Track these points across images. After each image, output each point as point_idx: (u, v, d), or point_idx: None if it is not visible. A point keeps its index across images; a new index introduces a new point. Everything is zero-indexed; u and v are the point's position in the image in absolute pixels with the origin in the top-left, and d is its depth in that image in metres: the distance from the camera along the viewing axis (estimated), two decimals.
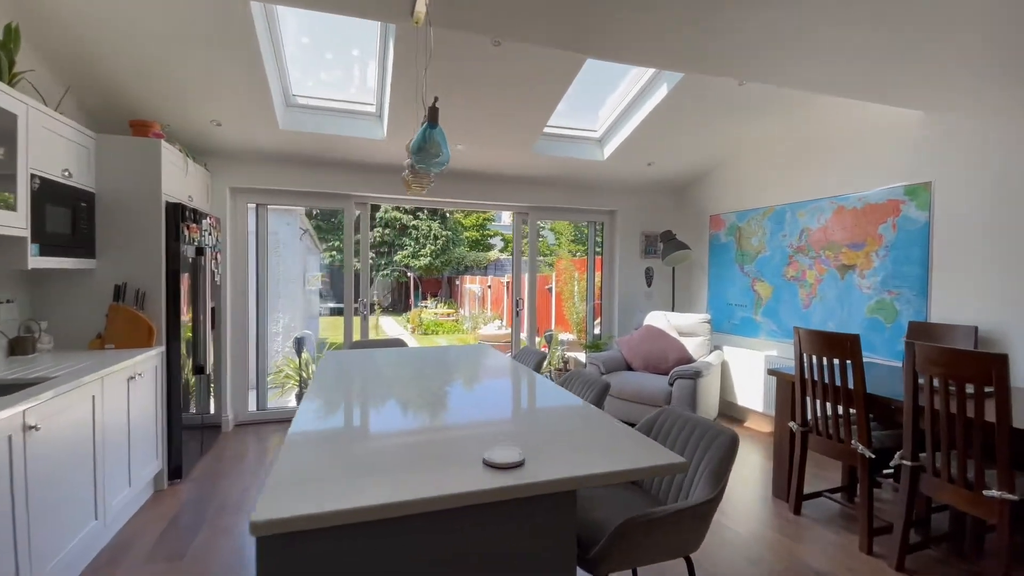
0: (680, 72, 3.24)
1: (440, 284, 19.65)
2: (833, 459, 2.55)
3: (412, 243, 17.08)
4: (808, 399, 2.65)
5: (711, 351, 4.39)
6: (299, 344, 4.54)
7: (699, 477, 1.33)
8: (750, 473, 3.25)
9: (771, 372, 2.97)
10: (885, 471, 2.47)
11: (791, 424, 2.76)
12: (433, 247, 17.04)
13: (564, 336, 7.16)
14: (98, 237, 2.78)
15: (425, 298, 18.20)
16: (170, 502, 2.79)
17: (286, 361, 4.82)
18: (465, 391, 1.98)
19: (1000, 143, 2.78)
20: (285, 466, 1.14)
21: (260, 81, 2.96)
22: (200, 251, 3.23)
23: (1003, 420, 1.82)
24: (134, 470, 2.56)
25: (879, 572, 2.19)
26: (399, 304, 19.44)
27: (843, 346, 2.40)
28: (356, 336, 4.42)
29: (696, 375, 3.74)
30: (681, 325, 4.46)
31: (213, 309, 3.53)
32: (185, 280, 3.07)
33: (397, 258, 17.19)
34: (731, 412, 4.49)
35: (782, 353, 4.03)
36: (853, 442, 2.39)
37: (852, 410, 2.43)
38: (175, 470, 2.98)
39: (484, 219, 19.12)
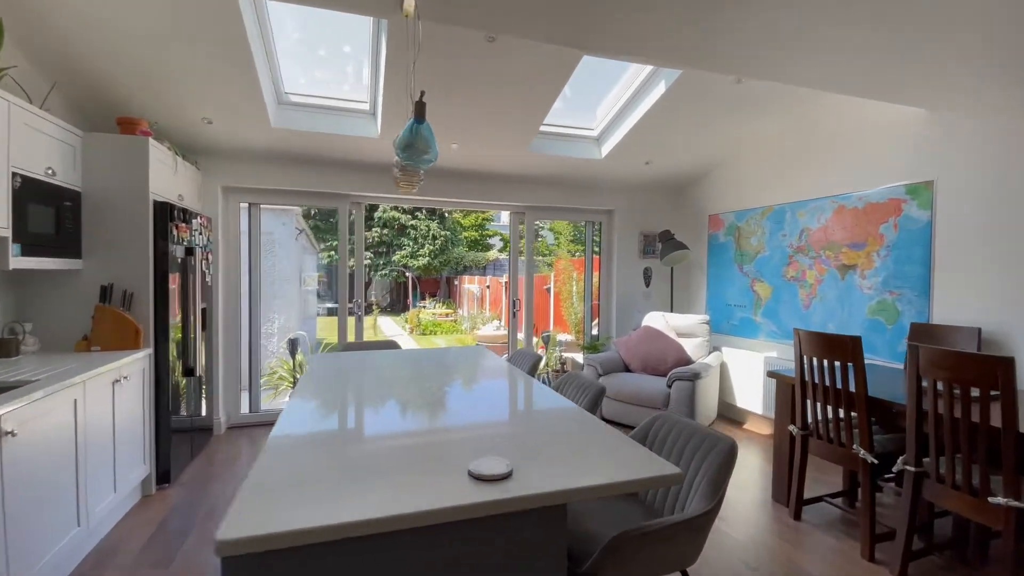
0: (679, 69, 3.19)
1: (439, 284, 19.59)
2: (834, 464, 2.50)
3: (411, 243, 17.01)
4: (808, 402, 2.60)
5: (710, 352, 4.33)
6: (293, 345, 4.49)
7: (696, 487, 1.28)
8: (749, 477, 3.20)
9: (771, 374, 2.92)
10: (887, 475, 2.42)
11: (791, 427, 2.70)
12: (432, 247, 16.98)
13: (562, 337, 7.11)
14: (84, 237, 2.72)
15: (424, 298, 18.15)
16: (158, 507, 2.74)
17: (280, 362, 4.76)
18: (456, 395, 1.93)
19: (1004, 141, 2.72)
20: (259, 476, 1.08)
21: (250, 78, 2.90)
22: (190, 251, 3.17)
23: (1009, 425, 1.76)
24: (120, 475, 2.51)
25: None
26: (398, 304, 19.39)
27: (844, 348, 2.34)
28: (351, 337, 4.36)
29: (695, 377, 3.69)
30: (680, 326, 4.41)
31: (204, 310, 3.48)
32: (174, 280, 3.01)
33: (396, 258, 17.12)
34: (730, 414, 4.43)
35: (782, 354, 3.98)
36: (855, 447, 2.34)
37: (853, 414, 2.38)
38: (163, 474, 2.92)
39: (483, 219, 19.06)
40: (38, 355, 2.55)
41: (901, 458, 2.15)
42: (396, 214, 17.00)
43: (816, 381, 2.52)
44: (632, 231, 5.13)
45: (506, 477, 1.05)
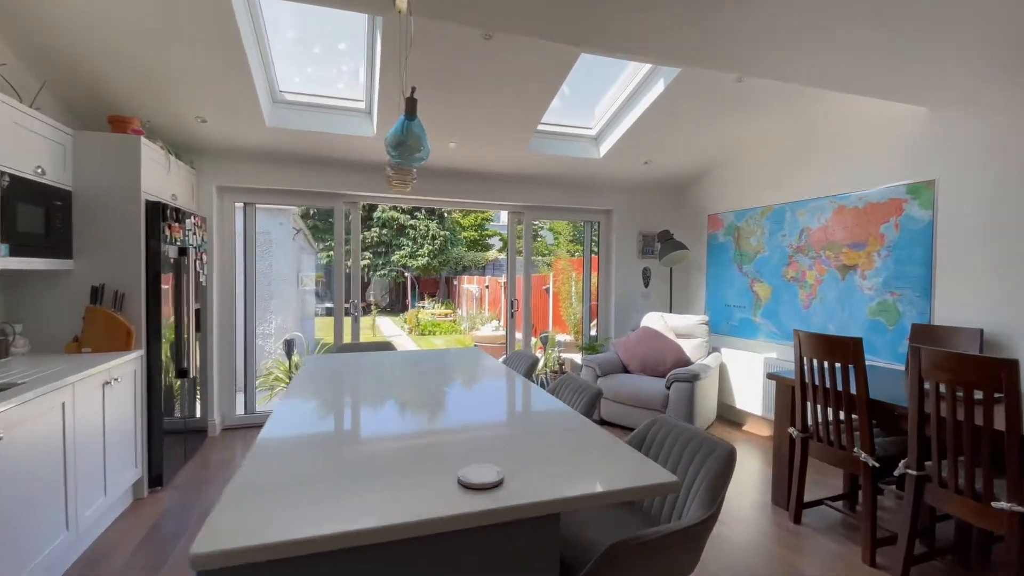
0: (678, 68, 3.15)
1: (438, 284, 19.55)
2: (835, 467, 2.46)
3: (410, 243, 16.96)
4: (808, 404, 2.57)
5: (709, 353, 4.30)
6: (289, 346, 4.46)
7: (694, 494, 1.24)
8: (748, 479, 3.17)
9: (770, 376, 2.89)
10: (888, 478, 2.39)
11: (791, 430, 2.67)
12: (431, 247, 16.93)
13: (561, 337, 7.08)
14: (75, 237, 2.68)
15: (423, 298, 18.11)
16: (150, 510, 2.70)
17: (276, 363, 4.73)
18: (449, 398, 1.89)
19: (1006, 140, 2.69)
20: (242, 482, 1.05)
21: (244, 76, 2.87)
22: (183, 251, 3.14)
23: (1013, 428, 1.73)
24: (110, 478, 2.47)
25: None
26: (397, 304, 19.35)
27: (845, 350, 2.31)
28: (348, 338, 4.32)
29: (694, 378, 3.66)
30: (678, 326, 4.38)
31: (198, 311, 3.44)
32: (167, 281, 2.98)
33: (395, 258, 17.07)
34: (729, 415, 4.40)
35: (781, 355, 3.95)
36: (855, 449, 2.30)
37: (854, 416, 2.35)
38: (156, 477, 2.89)
39: (483, 219, 19.02)
40: (28, 357, 2.52)
41: (903, 462, 2.12)
42: (395, 214, 16.95)
43: (816, 383, 2.48)
44: (631, 231, 5.10)
45: (496, 485, 1.01)
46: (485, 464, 1.11)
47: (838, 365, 2.36)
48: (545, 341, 5.44)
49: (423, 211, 17.15)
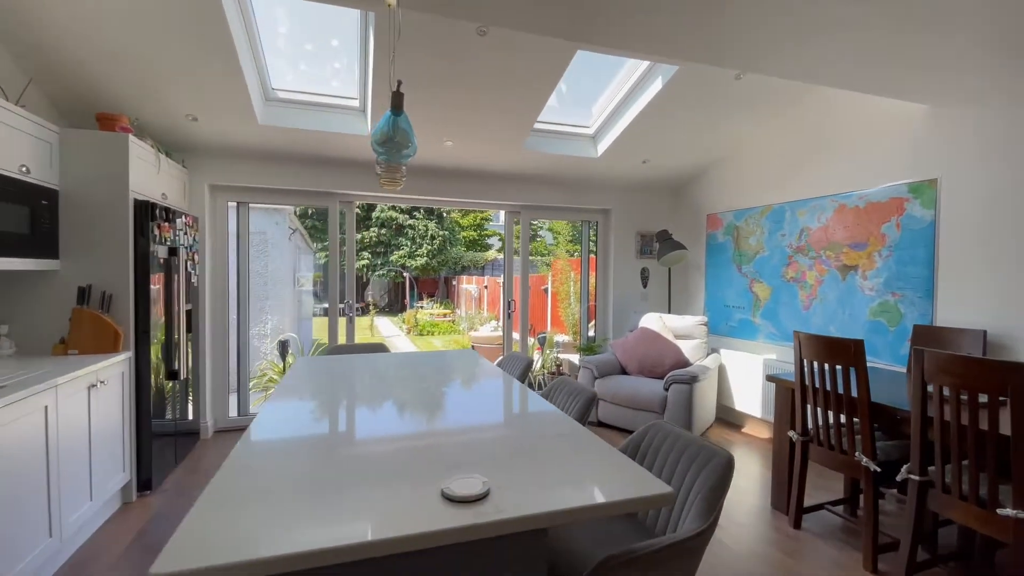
0: (676, 63, 3.10)
1: (437, 284, 19.50)
2: (835, 471, 2.42)
3: (408, 243, 16.91)
4: (809, 407, 2.52)
5: (708, 354, 4.26)
6: (283, 347, 4.41)
7: (690, 504, 1.20)
8: (747, 483, 3.12)
9: (770, 378, 2.84)
10: (889, 484, 2.35)
11: (791, 433, 2.62)
12: (430, 247, 16.88)
13: (560, 338, 7.03)
14: (62, 237, 2.63)
15: (421, 298, 18.05)
16: (138, 515, 2.66)
17: (270, 364, 4.68)
18: (438, 403, 1.84)
19: (1009, 138, 2.64)
20: (216, 491, 1.00)
21: (235, 74, 2.82)
22: (173, 251, 3.09)
23: (1019, 433, 1.68)
24: (96, 483, 2.42)
25: None
26: (396, 304, 19.29)
27: (846, 352, 2.26)
28: (342, 338, 4.28)
29: (692, 380, 3.61)
30: (677, 327, 4.33)
31: (190, 311, 3.39)
32: (157, 281, 2.93)
33: (393, 258, 17.01)
34: (729, 417, 4.35)
35: (781, 357, 3.90)
36: (857, 454, 2.26)
37: (855, 419, 2.30)
38: (145, 481, 2.84)
39: (482, 219, 18.98)
40: (14, 358, 2.47)
41: (905, 467, 2.07)
42: (394, 214, 16.90)
43: (817, 385, 2.43)
44: (629, 231, 5.05)
45: (481, 498, 0.97)
46: (470, 475, 1.06)
47: (839, 367, 2.31)
48: (543, 342, 5.39)
49: (422, 211, 17.09)
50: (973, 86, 2.68)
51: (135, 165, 2.78)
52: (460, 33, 2.59)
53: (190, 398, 3.52)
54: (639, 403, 3.84)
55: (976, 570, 2.19)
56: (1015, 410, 1.68)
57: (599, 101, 4.01)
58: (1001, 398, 1.73)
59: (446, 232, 17.42)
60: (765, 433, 3.98)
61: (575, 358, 5.30)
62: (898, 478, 2.10)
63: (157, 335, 2.96)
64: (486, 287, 14.51)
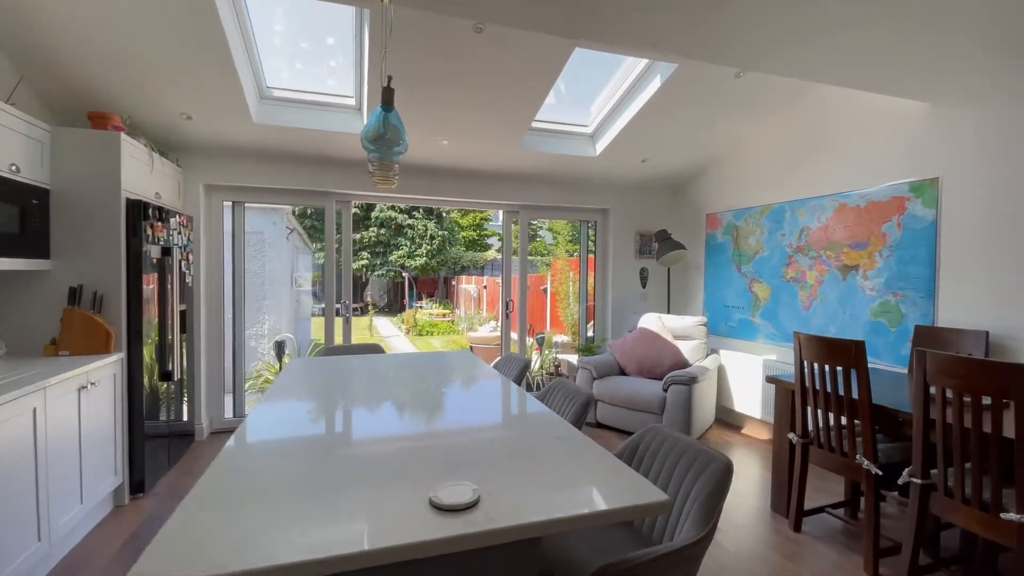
0: (675, 62, 3.07)
1: (436, 284, 19.47)
2: (836, 474, 2.39)
3: (408, 243, 16.88)
4: (809, 409, 2.49)
5: (707, 355, 4.22)
6: (280, 347, 4.38)
7: (688, 510, 1.16)
8: (747, 485, 3.09)
9: (770, 380, 2.81)
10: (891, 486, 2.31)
11: (791, 435, 2.59)
12: (429, 247, 16.85)
13: (559, 338, 7.00)
14: (53, 236, 2.60)
15: (421, 298, 18.02)
16: (130, 518, 2.62)
17: (266, 365, 4.64)
18: (431, 406, 1.81)
19: (1012, 136, 2.61)
20: (200, 496, 0.97)
21: (229, 71, 2.79)
22: (167, 251, 3.05)
23: (1023, 436, 1.65)
24: (87, 486, 2.39)
25: None
26: (395, 304, 19.26)
27: (847, 353, 2.23)
28: (339, 339, 4.25)
29: (691, 381, 3.58)
30: (676, 328, 4.30)
31: (184, 312, 3.36)
32: (150, 282, 2.90)
33: (393, 258, 16.98)
34: (728, 418, 4.32)
35: (781, 357, 3.87)
36: (858, 456, 2.23)
37: (856, 421, 2.27)
38: (137, 484, 2.81)
39: (481, 219, 18.95)
40: (4, 359, 2.44)
41: (907, 470, 2.04)
42: (393, 213, 16.87)
43: (817, 387, 2.40)
44: (628, 231, 5.02)
45: (471, 506, 0.93)
46: (460, 482, 1.02)
47: (839, 369, 2.28)
48: (541, 342, 5.36)
49: (421, 211, 17.06)
50: (974, 85, 2.65)
51: (127, 164, 2.75)
52: (456, 30, 2.55)
53: (185, 399, 3.49)
54: (638, 404, 3.81)
55: (979, 574, 2.16)
56: (1019, 413, 1.65)
57: (597, 100, 3.97)
58: (1004, 400, 1.70)
59: (445, 232, 17.39)
60: (765, 434, 3.95)
61: (574, 358, 5.27)
62: (900, 481, 2.06)
63: (151, 336, 2.93)
64: (485, 287, 14.48)
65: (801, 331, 3.64)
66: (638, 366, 4.16)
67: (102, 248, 2.66)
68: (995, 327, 2.64)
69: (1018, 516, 1.67)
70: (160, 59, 2.65)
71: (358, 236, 16.77)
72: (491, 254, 18.58)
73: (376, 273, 17.46)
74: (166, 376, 3.09)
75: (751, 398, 3.97)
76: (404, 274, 17.61)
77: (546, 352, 5.53)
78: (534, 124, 3.88)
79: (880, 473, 2.17)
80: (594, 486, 1.07)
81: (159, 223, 2.97)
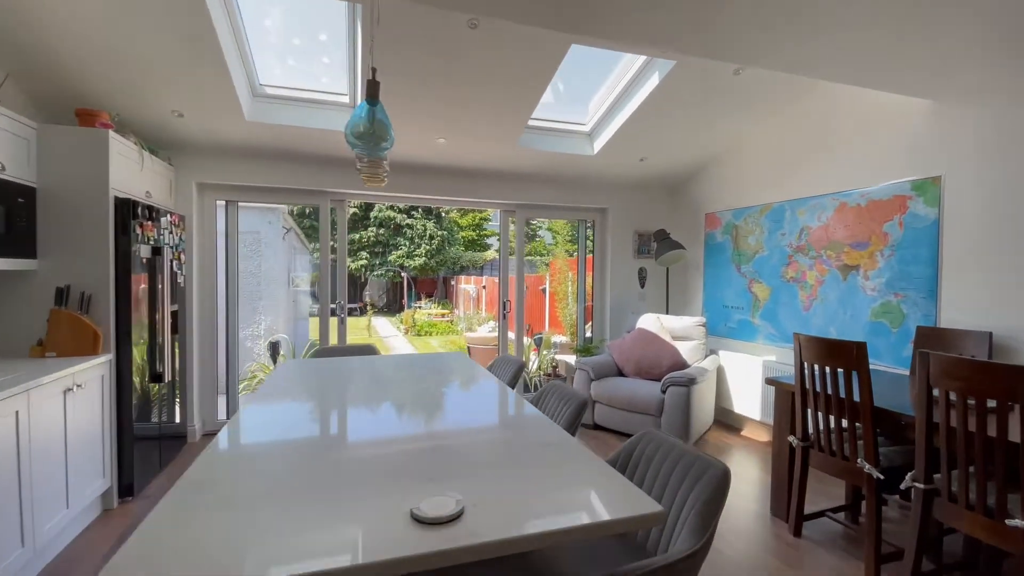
0: (673, 59, 3.03)
1: (435, 284, 19.42)
2: (837, 478, 2.34)
3: (407, 243, 16.82)
4: (809, 411, 2.44)
5: (706, 356, 4.18)
6: (274, 348, 4.33)
7: (684, 520, 1.12)
8: (746, 489, 3.04)
9: (769, 381, 2.76)
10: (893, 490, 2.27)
11: (791, 438, 2.55)
12: (428, 247, 16.79)
13: (557, 338, 6.96)
14: (40, 236, 2.56)
15: (420, 298, 17.97)
16: (119, 522, 2.58)
17: (260, 366, 4.60)
18: (419, 410, 1.76)
19: (1016, 134, 2.56)
20: (176, 500, 0.93)
21: (220, 68, 2.74)
22: (157, 251, 3.01)
23: None
24: (73, 490, 2.34)
25: None
26: (394, 305, 19.21)
27: (848, 355, 2.18)
28: (334, 339, 4.20)
29: (690, 382, 3.53)
30: (675, 328, 4.25)
31: (175, 312, 3.31)
32: (141, 282, 2.85)
33: (392, 258, 16.93)
34: (727, 420, 4.28)
35: (781, 358, 3.82)
36: (859, 460, 2.18)
37: (857, 424, 2.22)
38: (127, 487, 2.76)
39: (480, 218, 18.90)
40: None
41: (910, 474, 1.99)
42: (392, 213, 16.82)
43: (818, 389, 2.36)
44: (626, 230, 4.97)
45: (454, 519, 0.89)
46: (444, 492, 0.98)
47: (840, 370, 2.24)
48: (539, 343, 5.31)
49: (420, 210, 17.01)
50: (978, 82, 2.61)
51: (116, 162, 2.70)
52: (451, 27, 2.51)
53: (177, 401, 3.44)
54: (636, 406, 3.76)
55: None
56: None
57: (595, 97, 3.93)
58: (1009, 403, 1.65)
59: (444, 232, 17.34)
60: (764, 436, 3.90)
61: (573, 359, 5.22)
62: (902, 486, 2.02)
63: (143, 336, 2.89)
64: (484, 287, 14.44)
65: (801, 332, 3.59)
66: (636, 367, 4.11)
67: (90, 248, 2.61)
68: (999, 328, 2.59)
69: (1023, 522, 1.63)
70: (149, 55, 2.60)
71: (357, 236, 16.72)
72: (490, 254, 18.52)
73: (375, 273, 17.41)
74: (156, 377, 3.04)
75: (750, 400, 3.92)
76: (403, 274, 17.56)
77: (544, 353, 5.49)
78: (531, 122, 3.83)
79: (882, 477, 2.12)
80: (585, 496, 1.02)
81: (149, 222, 2.92)
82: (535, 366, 5.34)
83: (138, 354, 2.85)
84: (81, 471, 2.41)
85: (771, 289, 3.97)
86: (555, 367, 5.25)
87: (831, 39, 2.23)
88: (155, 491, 2.92)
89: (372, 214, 16.85)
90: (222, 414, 3.98)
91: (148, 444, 2.98)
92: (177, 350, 3.40)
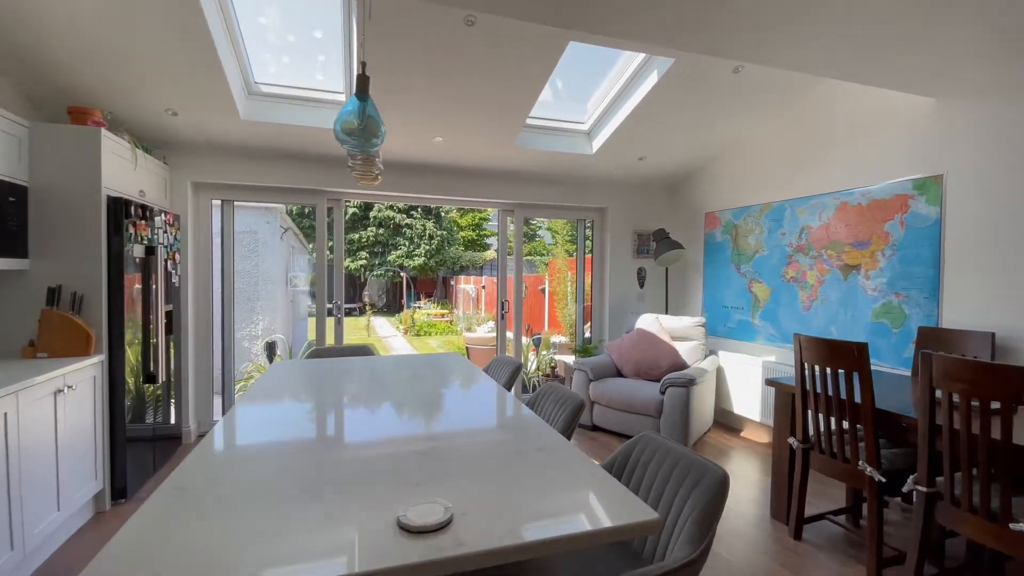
0: (672, 55, 2.99)
1: (435, 284, 19.39)
2: (837, 480, 2.31)
3: (406, 243, 16.80)
4: (810, 413, 2.41)
5: (706, 356, 4.15)
6: (270, 349, 4.30)
7: (681, 527, 1.09)
8: (746, 491, 3.01)
9: (769, 382, 2.73)
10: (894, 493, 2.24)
11: (791, 440, 2.51)
12: (428, 247, 16.77)
13: (557, 339, 6.93)
14: (31, 235, 2.53)
15: (419, 298, 17.94)
16: (111, 525, 2.55)
17: (256, 367, 4.57)
18: (410, 412, 1.73)
19: (1020, 132, 2.53)
20: (141, 519, 0.90)
21: (214, 66, 2.71)
22: (151, 250, 2.98)
23: None
24: (64, 492, 2.31)
25: None
26: (393, 305, 19.19)
27: (849, 355, 2.15)
28: (331, 339, 4.17)
29: (689, 383, 3.50)
30: (674, 328, 4.22)
31: (170, 313, 3.28)
32: (134, 282, 2.82)
33: (391, 258, 16.90)
34: (727, 421, 4.25)
35: (781, 359, 3.79)
36: (860, 463, 2.15)
37: (859, 426, 2.19)
38: (119, 489, 2.73)
39: (480, 218, 18.88)
40: None
41: (912, 477, 1.96)
42: (391, 213, 16.79)
43: (818, 390, 2.33)
44: (625, 230, 4.94)
45: (442, 527, 0.86)
46: (433, 500, 0.95)
47: (841, 372, 2.20)
48: (538, 343, 5.28)
49: (420, 210, 16.98)
50: (981, 78, 2.58)
51: (108, 160, 2.67)
52: (447, 24, 2.48)
53: (172, 402, 3.41)
54: (635, 407, 3.73)
55: None
56: None
57: (594, 96, 3.90)
58: (1014, 405, 1.62)
59: (444, 232, 17.31)
60: (764, 437, 3.87)
61: (572, 359, 5.19)
62: (904, 489, 1.99)
63: (137, 337, 2.86)
64: (484, 287, 14.41)
65: (801, 332, 3.57)
66: (635, 368, 4.08)
67: (82, 247, 2.58)
68: (1002, 328, 2.56)
69: None
70: (142, 53, 2.57)
71: (356, 236, 16.70)
72: (490, 254, 18.49)
73: (374, 273, 17.38)
74: (150, 378, 3.01)
75: (750, 401, 3.89)
76: (402, 274, 17.53)
77: (543, 353, 5.46)
78: (529, 121, 3.81)
79: (883, 480, 2.09)
80: (578, 503, 0.99)
81: (143, 221, 2.89)
82: (534, 366, 5.31)
83: (132, 355, 2.82)
84: (72, 473, 2.38)
85: (771, 289, 3.94)
86: (554, 367, 5.22)
87: (831, 36, 2.20)
88: (149, 493, 2.88)
89: (372, 214, 16.83)
90: (218, 415, 3.95)
91: (142, 446, 2.95)
92: (172, 351, 3.37)
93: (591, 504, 0.99)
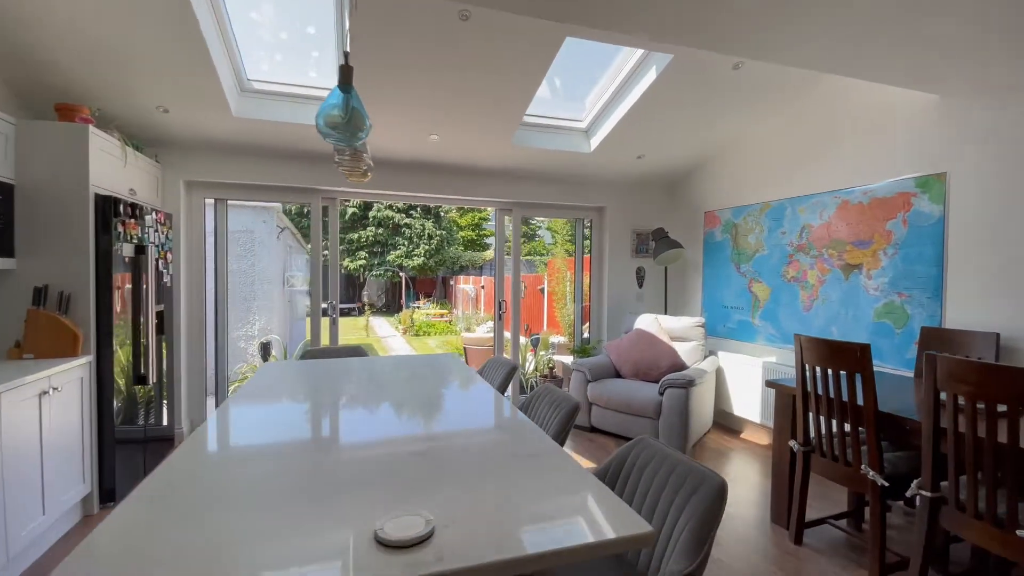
0: (670, 52, 2.95)
1: (434, 284, 19.35)
2: (839, 484, 2.26)
3: (406, 243, 16.75)
4: (811, 415, 2.36)
5: (705, 357, 4.10)
6: (265, 349, 4.25)
7: (677, 537, 1.04)
8: (746, 494, 2.96)
9: (769, 384, 2.68)
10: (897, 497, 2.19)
11: (791, 443, 2.47)
12: (427, 247, 16.72)
13: (556, 339, 6.88)
14: (17, 234, 2.48)
15: (418, 298, 17.90)
16: None
17: (250, 367, 4.52)
18: (399, 416, 1.68)
19: (1023, 129, 2.48)
20: (109, 528, 0.85)
21: (205, 62, 2.66)
22: (141, 249, 2.93)
23: None
24: (50, 496, 2.27)
25: None
26: (392, 305, 19.14)
27: (851, 357, 2.10)
28: (325, 340, 4.12)
29: (689, 384, 3.45)
30: (673, 329, 4.17)
31: (161, 313, 3.23)
32: (123, 281, 2.77)
33: (390, 258, 16.86)
34: (727, 422, 4.20)
35: (781, 359, 3.74)
36: (863, 467, 2.10)
37: (861, 429, 2.14)
38: (108, 492, 2.68)
39: (480, 218, 18.83)
40: None
41: (915, 482, 1.91)
42: (391, 213, 16.74)
43: (819, 392, 2.28)
44: (624, 229, 4.89)
45: (422, 541, 0.81)
46: (415, 511, 0.90)
47: (843, 373, 2.16)
48: (536, 343, 5.23)
49: (419, 210, 16.94)
50: (985, 75, 2.52)
51: (97, 158, 2.62)
52: (441, 18, 2.43)
53: (164, 403, 3.36)
54: (633, 408, 3.69)
55: None
56: None
57: (592, 93, 3.85)
58: (1021, 408, 1.58)
59: (443, 232, 17.26)
60: (765, 439, 3.82)
61: (570, 359, 5.14)
62: (908, 494, 1.94)
63: (128, 337, 2.81)
64: (483, 287, 14.36)
65: (802, 332, 3.52)
66: (634, 368, 4.03)
67: (69, 246, 2.54)
68: (1006, 329, 2.51)
69: None
70: (132, 48, 2.53)
71: (356, 235, 16.65)
72: (489, 254, 18.44)
73: (373, 273, 17.33)
74: (140, 379, 2.96)
75: (750, 402, 3.84)
76: (402, 274, 17.49)
77: (542, 353, 5.41)
78: (526, 119, 3.76)
79: (886, 484, 2.04)
80: (568, 515, 0.94)
81: (132, 220, 2.84)
82: (531, 367, 5.26)
83: (123, 356, 2.77)
84: (58, 476, 2.33)
85: (771, 289, 3.89)
86: (552, 368, 5.17)
87: (833, 32, 2.15)
88: None
89: (371, 213, 16.78)
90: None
91: (132, 448, 2.90)
92: (164, 352, 3.32)
93: (582, 515, 0.94)
